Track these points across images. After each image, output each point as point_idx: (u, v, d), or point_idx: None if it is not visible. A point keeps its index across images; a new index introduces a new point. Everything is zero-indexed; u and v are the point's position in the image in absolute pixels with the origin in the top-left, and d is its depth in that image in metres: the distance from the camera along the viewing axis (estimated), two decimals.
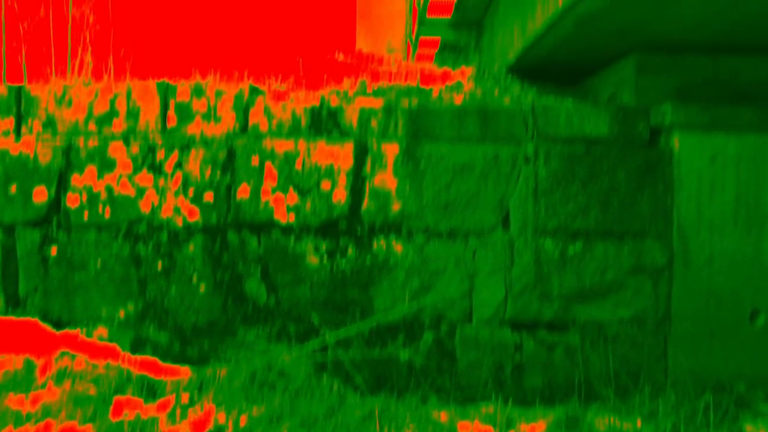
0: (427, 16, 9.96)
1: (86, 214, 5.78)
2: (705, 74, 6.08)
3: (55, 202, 5.82)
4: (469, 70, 7.30)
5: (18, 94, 5.96)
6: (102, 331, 5.59)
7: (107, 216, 5.77)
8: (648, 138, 5.87)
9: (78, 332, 5.53)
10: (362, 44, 11.75)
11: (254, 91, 5.90)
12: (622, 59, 6.37)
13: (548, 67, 7.16)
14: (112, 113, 5.88)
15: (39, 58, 23.20)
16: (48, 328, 5.55)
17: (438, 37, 10.80)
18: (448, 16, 9.90)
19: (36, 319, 5.64)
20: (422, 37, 10.94)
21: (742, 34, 5.51)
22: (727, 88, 6.06)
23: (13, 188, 5.81)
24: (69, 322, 5.76)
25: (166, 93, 5.87)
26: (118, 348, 5.30)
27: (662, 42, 5.83)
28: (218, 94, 5.85)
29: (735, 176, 5.73)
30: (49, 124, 5.90)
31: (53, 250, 5.78)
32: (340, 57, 8.19)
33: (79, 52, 24.24)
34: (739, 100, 6.00)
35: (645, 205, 5.75)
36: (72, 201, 5.78)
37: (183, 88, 5.87)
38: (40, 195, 5.81)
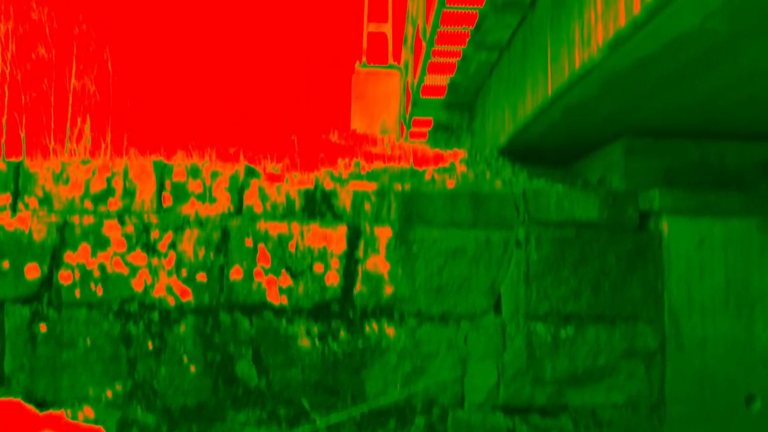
0: (420, 97, 10.21)
1: (78, 291, 5.76)
2: (692, 158, 6.23)
3: (48, 279, 5.80)
4: (462, 153, 7.45)
5: (17, 170, 6.03)
6: (88, 411, 5.49)
7: (99, 294, 5.75)
8: (637, 222, 5.96)
9: (63, 413, 5.43)
10: (357, 123, 11.97)
11: (249, 173, 6.00)
12: (610, 143, 6.54)
13: (539, 150, 7.32)
14: (109, 191, 5.94)
15: (39, 128, 23.51)
16: (32, 408, 5.44)
17: (431, 117, 11.03)
18: (441, 97, 10.15)
19: (19, 399, 5.54)
20: (416, 117, 11.18)
21: (727, 120, 5.69)
22: (713, 171, 6.21)
23: (5, 264, 5.80)
24: (54, 402, 5.65)
25: (162, 173, 5.96)
26: (103, 430, 5.20)
27: (649, 127, 6.00)
28: (214, 175, 5.94)
29: (723, 260, 5.80)
30: (46, 200, 5.95)
31: (42, 328, 5.73)
32: (335, 137, 8.36)
33: (79, 122, 24.57)
34: (725, 183, 6.14)
35: (636, 289, 5.79)
36: (64, 278, 5.77)
37: (179, 169, 5.96)
38: (33, 271, 5.79)
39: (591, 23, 4.61)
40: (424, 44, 7.83)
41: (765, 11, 3.63)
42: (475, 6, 6.53)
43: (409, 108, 10.96)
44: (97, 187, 5.95)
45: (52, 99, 23.57)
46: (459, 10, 6.80)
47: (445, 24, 7.16)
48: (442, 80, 9.48)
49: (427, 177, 6.20)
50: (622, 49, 4.31)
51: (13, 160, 6.18)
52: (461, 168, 6.59)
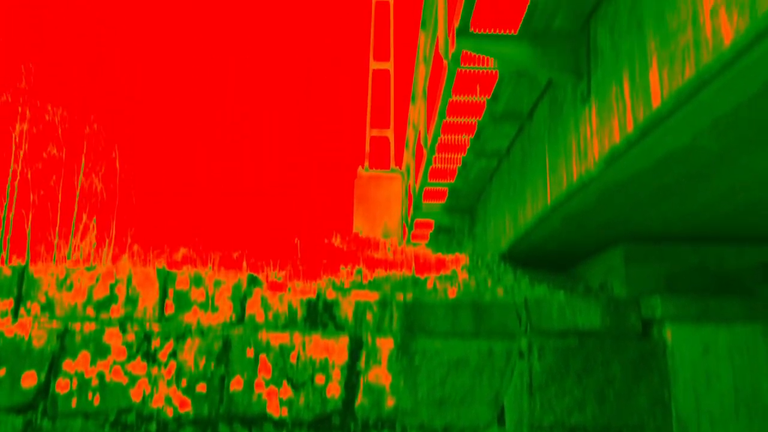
0: (422, 201, 10.37)
1: (75, 401, 5.66)
2: (691, 262, 6.27)
3: (44, 388, 5.72)
4: (463, 258, 7.49)
5: (21, 275, 6.06)
6: None
7: (96, 403, 5.65)
8: (641, 329, 5.92)
9: None
10: (359, 225, 12.09)
11: (252, 281, 6.03)
12: (610, 248, 6.59)
13: (540, 254, 7.37)
14: (111, 298, 5.95)
15: (45, 223, 23.77)
16: None
17: (432, 220, 11.14)
18: (443, 202, 10.31)
19: None
20: (418, 219, 11.30)
21: (724, 225, 5.76)
22: (713, 275, 6.23)
23: (2, 371, 5.73)
24: None
25: (165, 281, 5.99)
26: None
27: (648, 233, 6.07)
28: (217, 284, 5.97)
29: (730, 367, 5.72)
30: (48, 306, 5.95)
31: None
32: (337, 241, 8.43)
33: (84, 218, 24.87)
34: (725, 286, 6.14)
35: (642, 398, 5.68)
36: (61, 387, 5.69)
37: (182, 277, 5.99)
38: (30, 379, 5.72)
39: (587, 137, 4.75)
40: (425, 151, 8.05)
41: (752, 128, 3.77)
42: (474, 117, 6.75)
43: (411, 211, 11.11)
44: (100, 293, 5.97)
45: (60, 196, 23.96)
46: (459, 121, 7.02)
47: (445, 133, 7.38)
48: (444, 185, 9.65)
49: (429, 286, 6.21)
50: (617, 164, 4.43)
51: (18, 264, 6.22)
52: (463, 275, 6.61)
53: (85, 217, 25.04)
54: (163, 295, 5.96)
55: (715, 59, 3.11)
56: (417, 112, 8.76)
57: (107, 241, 24.89)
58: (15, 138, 23.33)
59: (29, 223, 23.60)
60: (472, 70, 5.84)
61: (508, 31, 4.90)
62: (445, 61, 5.24)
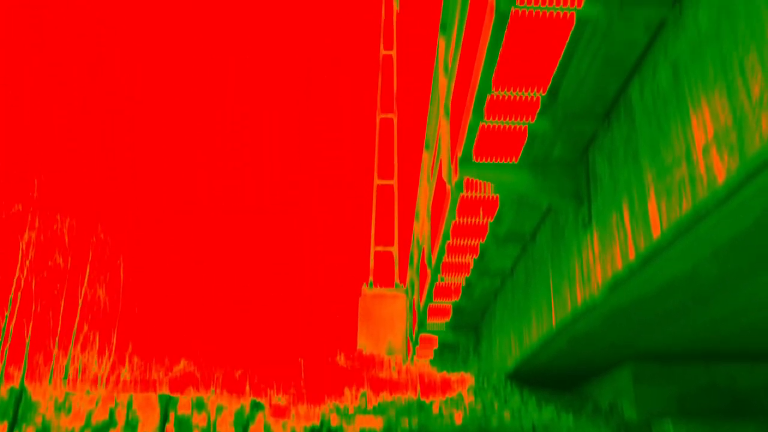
0: (426, 319, 10.29)
1: None
2: (701, 381, 6.16)
3: None
4: (469, 378, 7.37)
5: (18, 398, 5.97)
6: None
7: None
8: None
9: None
10: (363, 342, 11.97)
11: (255, 406, 5.91)
12: (618, 367, 6.49)
13: (547, 374, 7.25)
14: (111, 423, 5.83)
15: (45, 332, 23.52)
16: None
17: (437, 337, 11.02)
18: (447, 320, 10.23)
19: None
20: (422, 335, 11.17)
21: (733, 343, 5.69)
22: (725, 395, 6.10)
23: None
24: None
25: (167, 405, 5.89)
26: None
27: (656, 352, 6.00)
28: (219, 409, 5.86)
29: None
30: (44, 430, 5.81)
31: None
32: (342, 360, 8.32)
33: (85, 328, 24.64)
34: (738, 407, 6.00)
35: None
36: None
37: (185, 401, 5.89)
38: None
39: (590, 262, 4.80)
40: (429, 271, 8.09)
41: (750, 256, 3.83)
42: (477, 239, 6.84)
43: (416, 327, 11.02)
44: (100, 417, 5.85)
45: (62, 306, 23.90)
46: (462, 243, 7.10)
47: (450, 254, 7.45)
48: (448, 303, 9.61)
49: (435, 410, 6.09)
50: (620, 290, 4.46)
51: (18, 386, 6.14)
52: (469, 398, 6.48)
53: (86, 327, 24.84)
54: (164, 419, 5.84)
55: (710, 195, 3.21)
56: (420, 229, 8.89)
57: (107, 351, 24.58)
58: (22, 247, 23.56)
59: (29, 333, 23.39)
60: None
61: (509, 159, 5.07)
62: (448, 186, 5.38)
